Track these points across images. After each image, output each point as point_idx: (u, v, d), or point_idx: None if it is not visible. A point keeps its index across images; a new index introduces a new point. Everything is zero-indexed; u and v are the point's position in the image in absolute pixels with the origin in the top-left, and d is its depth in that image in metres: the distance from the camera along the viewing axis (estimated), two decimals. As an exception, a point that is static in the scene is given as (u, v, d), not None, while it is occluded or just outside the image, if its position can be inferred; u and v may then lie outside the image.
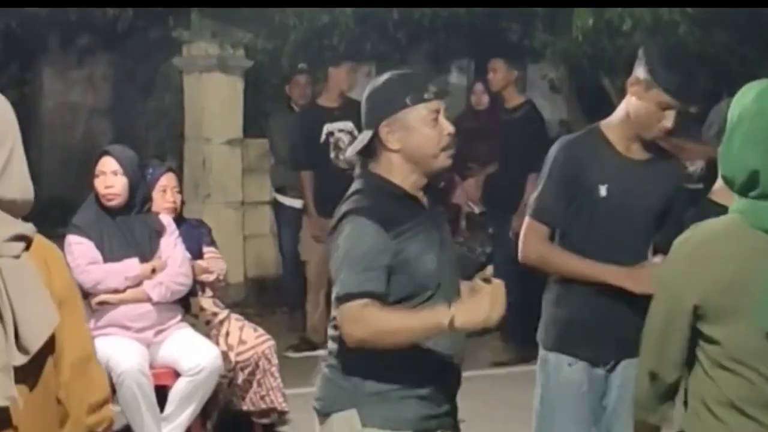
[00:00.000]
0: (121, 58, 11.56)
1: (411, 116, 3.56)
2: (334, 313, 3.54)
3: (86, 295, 6.03)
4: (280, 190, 10.12)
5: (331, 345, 3.67)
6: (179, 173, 10.37)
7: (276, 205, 10.28)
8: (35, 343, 2.53)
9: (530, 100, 9.30)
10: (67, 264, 2.78)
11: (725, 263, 2.80)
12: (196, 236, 6.67)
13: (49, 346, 2.60)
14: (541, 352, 4.48)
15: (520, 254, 4.43)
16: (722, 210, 4.48)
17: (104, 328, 5.99)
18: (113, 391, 5.92)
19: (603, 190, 4.30)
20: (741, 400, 2.83)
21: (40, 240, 2.68)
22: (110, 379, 5.90)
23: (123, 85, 11.74)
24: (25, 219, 2.69)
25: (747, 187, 2.84)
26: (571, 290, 4.37)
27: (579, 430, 4.42)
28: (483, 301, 3.37)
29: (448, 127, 3.60)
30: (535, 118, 8.98)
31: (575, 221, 4.33)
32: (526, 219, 4.40)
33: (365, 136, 3.62)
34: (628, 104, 4.34)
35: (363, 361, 3.55)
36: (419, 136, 3.56)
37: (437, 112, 3.60)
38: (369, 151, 3.63)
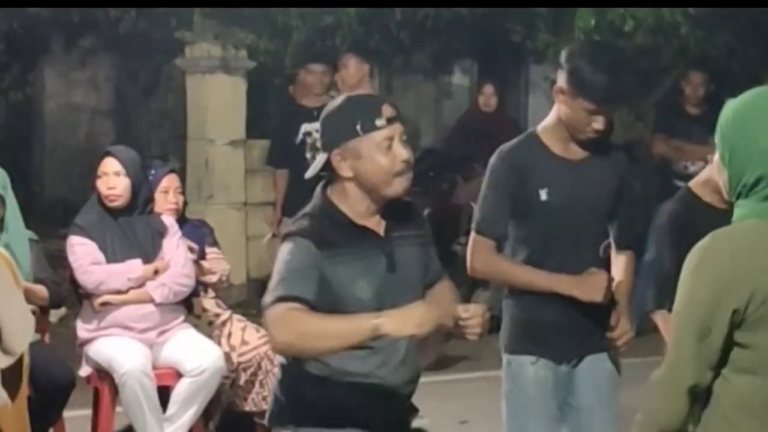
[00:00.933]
0: (124, 59, 11.57)
1: (363, 144, 3.50)
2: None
3: (89, 295, 6.04)
4: (283, 190, 10.11)
5: (279, 359, 3.73)
6: (182, 174, 10.39)
7: (279, 206, 10.27)
8: (20, 344, 2.51)
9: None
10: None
11: (763, 268, 2.80)
12: (198, 236, 6.67)
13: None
14: (504, 356, 4.45)
15: (468, 267, 4.41)
16: (700, 202, 4.50)
17: (107, 328, 5.99)
18: (115, 391, 5.94)
19: (544, 194, 4.28)
20: (762, 406, 2.82)
21: None
22: (113, 379, 5.91)
23: (125, 86, 11.75)
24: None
25: None
26: (528, 291, 4.36)
27: (551, 428, 4.42)
28: (416, 309, 3.38)
29: (403, 154, 3.52)
30: None
31: (522, 229, 4.32)
32: (472, 232, 4.38)
33: (320, 160, 3.59)
34: (559, 110, 4.32)
35: (300, 386, 3.58)
36: (370, 164, 3.51)
37: (391, 139, 3.52)
38: (328, 172, 3.61)
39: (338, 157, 3.53)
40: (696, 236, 3.97)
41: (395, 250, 3.62)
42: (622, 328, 4.34)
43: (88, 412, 6.19)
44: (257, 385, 6.51)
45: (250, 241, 10.75)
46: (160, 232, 6.10)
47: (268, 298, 3.43)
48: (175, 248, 6.11)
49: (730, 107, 2.93)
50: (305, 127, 9.03)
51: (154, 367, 5.99)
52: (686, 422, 2.88)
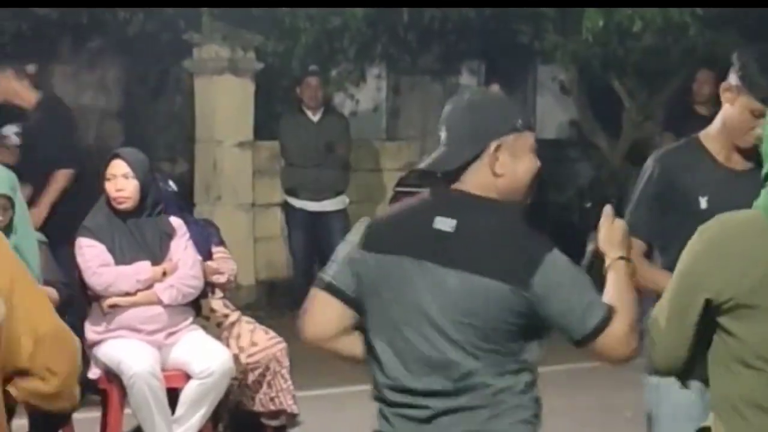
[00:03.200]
0: (132, 61, 11.57)
1: (519, 142, 3.22)
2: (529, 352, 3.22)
3: (97, 297, 6.04)
4: (290, 192, 10.13)
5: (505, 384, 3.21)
6: (190, 176, 10.40)
7: (286, 207, 10.29)
8: None
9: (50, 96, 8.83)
10: (9, 250, 2.77)
11: (751, 260, 2.81)
12: (204, 236, 6.67)
13: None
14: (648, 378, 4.23)
15: None
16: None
17: (115, 330, 6.00)
18: (124, 393, 5.94)
19: (704, 203, 4.13)
20: (765, 399, 2.83)
21: None
22: (122, 381, 5.91)
23: (134, 88, 11.75)
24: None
25: None
26: None
27: None
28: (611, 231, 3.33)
29: (539, 163, 3.29)
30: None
31: (675, 235, 4.06)
32: None
33: (467, 152, 3.21)
34: (724, 112, 4.19)
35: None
36: (523, 165, 3.22)
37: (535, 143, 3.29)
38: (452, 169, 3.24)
39: (495, 150, 3.19)
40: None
41: None
42: None
43: (97, 414, 6.20)
44: (265, 385, 6.52)
45: (258, 242, 10.76)
46: (169, 234, 6.11)
47: (597, 316, 3.11)
48: (184, 249, 6.12)
49: None
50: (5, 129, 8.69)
51: (163, 369, 5.99)
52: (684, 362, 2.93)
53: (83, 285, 6.07)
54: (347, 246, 3.32)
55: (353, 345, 3.32)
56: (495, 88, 10.20)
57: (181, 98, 11.32)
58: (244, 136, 10.68)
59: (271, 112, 10.92)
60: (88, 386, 5.94)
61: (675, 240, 4.10)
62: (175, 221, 6.19)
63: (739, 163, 4.21)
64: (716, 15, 9.74)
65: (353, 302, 3.27)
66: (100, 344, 6.01)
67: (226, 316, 6.64)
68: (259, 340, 6.56)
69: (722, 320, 2.86)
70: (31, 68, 8.74)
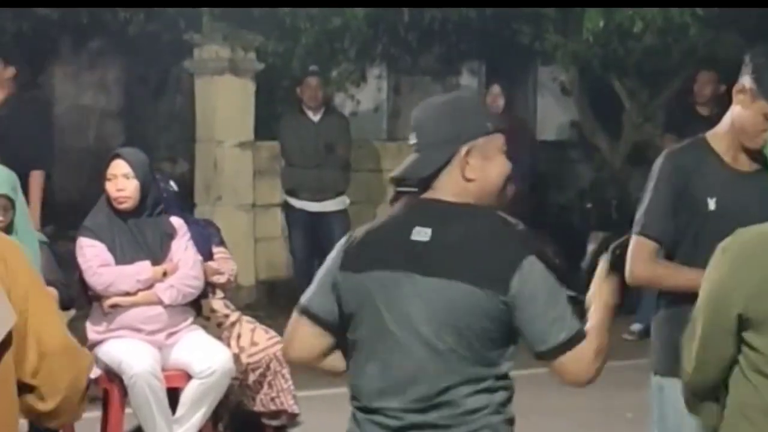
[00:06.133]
0: (133, 61, 11.58)
1: (491, 144, 3.18)
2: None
3: (98, 297, 6.05)
4: (290, 192, 10.13)
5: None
6: (190, 176, 10.41)
7: (287, 208, 10.29)
8: None
9: None
10: (26, 259, 2.75)
11: None
12: (205, 237, 6.67)
13: (7, 345, 2.58)
14: (656, 379, 4.24)
15: (628, 274, 3.91)
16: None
17: (116, 330, 6.01)
18: (125, 393, 5.95)
19: (712, 204, 4.10)
20: None
21: None
22: (122, 381, 5.92)
23: (134, 88, 11.76)
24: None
25: None
26: (687, 310, 4.22)
27: None
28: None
29: (510, 164, 3.24)
30: None
31: (682, 236, 4.12)
32: (633, 237, 4.08)
33: (440, 157, 3.16)
34: (733, 113, 4.11)
35: None
36: (496, 167, 3.18)
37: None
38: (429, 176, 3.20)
39: (467, 155, 3.15)
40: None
41: None
42: None
43: (97, 413, 6.20)
44: (266, 386, 6.53)
45: (259, 242, 10.76)
46: (169, 234, 6.11)
47: (567, 331, 3.11)
48: (184, 250, 6.12)
49: None
50: None
51: (164, 369, 6.00)
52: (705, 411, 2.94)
53: (84, 285, 6.08)
54: (324, 268, 3.33)
55: (335, 362, 3.32)
56: (496, 89, 10.21)
57: (182, 98, 11.33)
58: (244, 137, 10.68)
59: (271, 112, 10.93)
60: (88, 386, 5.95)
61: (683, 240, 4.12)
62: (176, 221, 6.20)
63: (745, 164, 4.17)
64: (717, 15, 9.75)
65: (331, 325, 3.26)
66: (101, 344, 6.01)
67: (227, 316, 6.64)
68: (260, 340, 6.56)
69: (746, 334, 2.86)
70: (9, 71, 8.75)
